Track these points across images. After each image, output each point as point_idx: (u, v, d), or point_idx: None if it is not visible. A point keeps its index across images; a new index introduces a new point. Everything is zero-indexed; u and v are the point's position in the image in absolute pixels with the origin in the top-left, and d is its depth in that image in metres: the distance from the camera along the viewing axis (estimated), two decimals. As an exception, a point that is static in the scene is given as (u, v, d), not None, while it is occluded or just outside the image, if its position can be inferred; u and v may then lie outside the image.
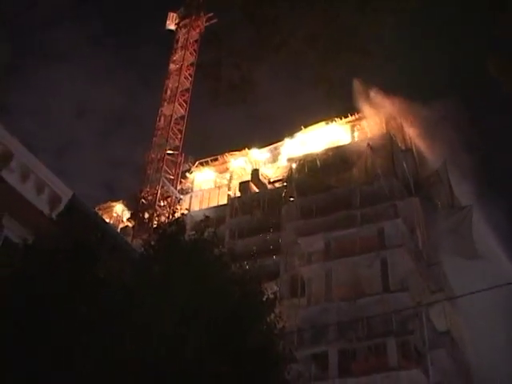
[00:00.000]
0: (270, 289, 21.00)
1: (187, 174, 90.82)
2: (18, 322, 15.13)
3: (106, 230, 23.56)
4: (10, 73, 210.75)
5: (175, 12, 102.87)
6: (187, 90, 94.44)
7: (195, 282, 16.63)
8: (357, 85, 68.29)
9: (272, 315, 19.44)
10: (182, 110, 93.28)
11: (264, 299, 19.56)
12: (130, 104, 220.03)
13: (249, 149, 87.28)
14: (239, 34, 12.57)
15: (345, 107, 69.58)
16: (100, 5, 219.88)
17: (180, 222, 20.08)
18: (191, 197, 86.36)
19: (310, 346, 57.14)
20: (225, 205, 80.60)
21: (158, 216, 77.44)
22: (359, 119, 78.53)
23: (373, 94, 73.42)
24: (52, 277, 15.83)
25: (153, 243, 19.12)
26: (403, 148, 71.94)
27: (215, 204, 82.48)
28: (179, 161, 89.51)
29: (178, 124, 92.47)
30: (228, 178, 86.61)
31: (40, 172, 24.03)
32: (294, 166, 77.69)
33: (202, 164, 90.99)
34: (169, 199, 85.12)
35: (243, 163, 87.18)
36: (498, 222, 75.52)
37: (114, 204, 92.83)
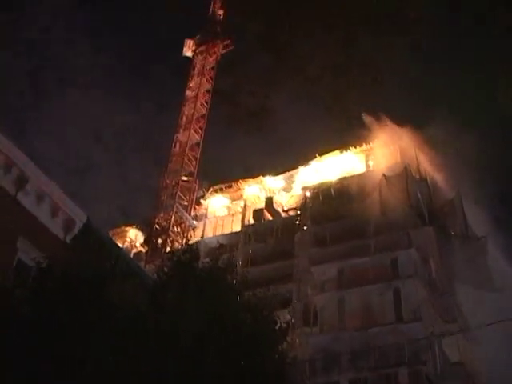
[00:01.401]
0: (283, 317, 20.95)
1: (201, 201, 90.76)
2: (31, 343, 15.15)
3: (120, 256, 23.61)
4: (28, 96, 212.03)
5: (192, 39, 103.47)
6: (203, 116, 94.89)
7: (209, 310, 16.62)
8: (366, 117, 68.47)
9: (284, 344, 19.38)
10: (197, 137, 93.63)
11: (277, 327, 19.51)
12: (146, 129, 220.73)
13: (263, 176, 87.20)
14: (255, 61, 12.60)
15: (359, 136, 69.63)
16: (119, 31, 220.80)
17: (194, 249, 20.10)
18: (205, 223, 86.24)
19: (322, 374, 56.80)
20: (238, 232, 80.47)
21: (172, 242, 77.55)
22: (373, 148, 78.42)
23: (386, 123, 73.56)
24: (65, 301, 15.86)
25: (166, 270, 19.13)
26: (418, 177, 71.74)
27: (229, 231, 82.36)
28: (193, 187, 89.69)
29: (193, 150, 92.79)
30: (242, 205, 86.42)
31: (55, 195, 24.15)
32: (308, 194, 77.64)
33: (216, 191, 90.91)
34: (182, 225, 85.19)
35: (257, 190, 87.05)
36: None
37: (127, 229, 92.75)
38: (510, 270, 73.05)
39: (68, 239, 23.86)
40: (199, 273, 18.67)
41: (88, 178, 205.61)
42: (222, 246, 21.72)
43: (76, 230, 24.53)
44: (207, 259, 19.82)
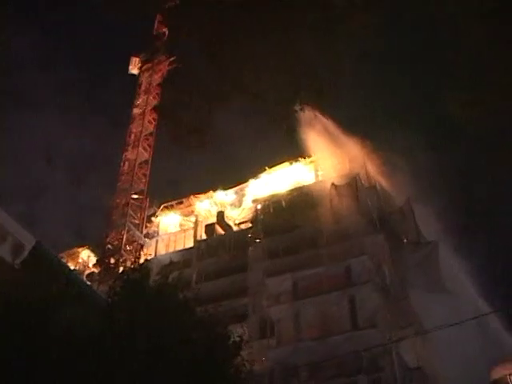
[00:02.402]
0: (236, 331, 20.82)
1: (153, 218, 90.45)
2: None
3: (71, 278, 23.31)
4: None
5: (137, 56, 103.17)
6: (151, 133, 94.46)
7: (159, 329, 16.49)
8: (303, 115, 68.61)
9: (239, 358, 19.31)
10: (146, 155, 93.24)
11: (230, 343, 19.44)
12: (99, 148, 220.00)
13: (214, 191, 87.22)
14: (200, 76, 12.61)
15: (307, 147, 69.93)
16: (67, 49, 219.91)
17: (144, 268, 19.97)
18: (157, 241, 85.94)
19: (282, 387, 56.82)
20: (191, 248, 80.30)
21: (124, 261, 76.86)
22: (323, 158, 78.75)
23: (332, 129, 74.06)
24: (13, 327, 15.62)
25: (117, 289, 18.96)
26: (367, 185, 72.24)
27: (181, 247, 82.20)
28: (144, 205, 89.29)
29: (143, 168, 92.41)
30: (194, 220, 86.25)
31: (2, 220, 23.81)
32: (259, 206, 77.85)
33: (167, 207, 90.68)
34: (134, 244, 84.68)
35: (208, 205, 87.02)
36: (466, 256, 76.05)
37: (80, 250, 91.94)
38: (460, 273, 74.03)
39: (16, 263, 23.49)
40: (149, 291, 18.52)
41: (42, 201, 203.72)
42: (172, 263, 21.60)
43: (25, 254, 24.17)
44: (158, 277, 19.70)
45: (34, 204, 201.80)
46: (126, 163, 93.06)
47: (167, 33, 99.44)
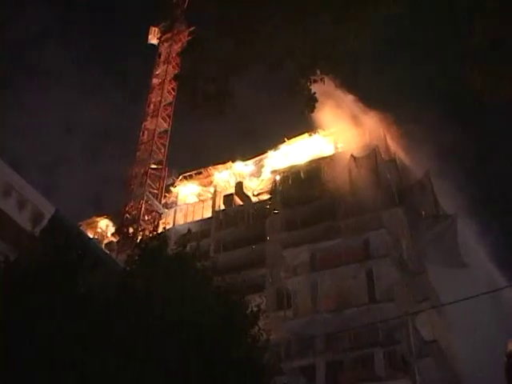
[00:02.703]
0: (254, 301, 20.90)
1: (171, 188, 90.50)
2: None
3: (89, 246, 23.44)
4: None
5: (157, 26, 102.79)
6: (170, 104, 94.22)
7: (177, 296, 16.57)
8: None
9: (256, 328, 19.37)
10: (165, 125, 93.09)
11: (248, 312, 19.50)
12: (117, 119, 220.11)
13: (233, 162, 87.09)
14: (218, 45, 12.52)
15: (327, 119, 69.52)
16: (86, 21, 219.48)
17: (162, 237, 20.02)
18: (175, 211, 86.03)
19: (297, 358, 57.08)
20: (209, 218, 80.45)
21: (143, 230, 77.12)
22: (342, 130, 78.34)
23: (351, 100, 73.67)
24: (33, 294, 15.74)
25: (135, 258, 19.04)
26: (386, 158, 71.87)
27: (200, 217, 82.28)
28: (163, 175, 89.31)
29: (162, 138, 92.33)
30: (212, 191, 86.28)
31: (22, 189, 23.93)
32: (277, 178, 77.73)
33: (186, 178, 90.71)
34: (153, 213, 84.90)
35: (227, 176, 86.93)
36: (486, 230, 75.89)
37: (98, 219, 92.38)
38: (478, 246, 73.79)
39: (37, 232, 23.61)
40: (167, 260, 18.58)
41: (61, 171, 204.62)
42: (189, 232, 21.60)
43: (44, 223, 24.32)
44: (176, 247, 19.74)
45: (53, 174, 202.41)
46: (145, 133, 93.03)
47: (187, 2, 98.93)
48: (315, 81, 12.30)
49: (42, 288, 15.90)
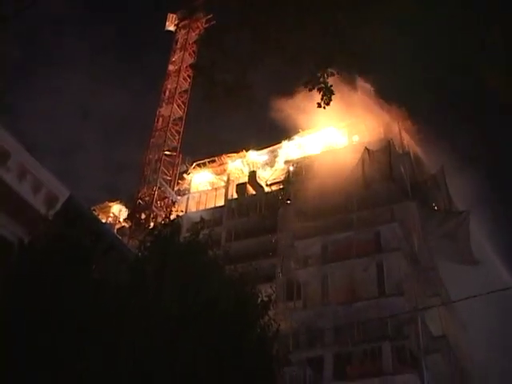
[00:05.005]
0: (265, 291, 20.95)
1: (184, 175, 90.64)
2: (14, 321, 15.11)
3: (102, 231, 23.50)
4: (15, 73, 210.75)
5: (175, 13, 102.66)
6: (186, 91, 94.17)
7: (188, 284, 16.63)
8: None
9: (266, 318, 19.42)
10: (180, 112, 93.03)
11: (258, 302, 19.56)
12: (133, 105, 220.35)
13: (246, 151, 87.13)
14: (236, 37, 12.56)
15: (342, 111, 69.31)
16: (100, 8, 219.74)
17: (175, 224, 20.07)
18: (188, 198, 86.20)
19: (306, 349, 57.16)
20: (222, 206, 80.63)
21: (155, 217, 77.31)
22: (357, 123, 78.20)
23: (367, 93, 73.43)
24: (47, 277, 15.81)
25: (147, 244, 19.08)
26: (400, 152, 71.71)
27: (212, 206, 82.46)
28: (177, 162, 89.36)
29: (176, 125, 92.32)
30: (225, 179, 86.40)
31: (37, 172, 23.97)
32: (291, 168, 77.79)
33: (199, 165, 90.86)
34: (166, 200, 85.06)
35: (240, 165, 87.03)
36: (497, 228, 75.68)
37: (111, 204, 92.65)
38: (490, 244, 73.63)
39: (50, 215, 23.71)
40: (179, 247, 18.63)
41: (77, 156, 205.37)
42: (202, 220, 21.50)
43: (58, 206, 24.38)
44: (188, 234, 19.80)
45: (69, 160, 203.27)
46: (160, 119, 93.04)
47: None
48: (332, 74, 12.34)
49: (58, 272, 15.96)
